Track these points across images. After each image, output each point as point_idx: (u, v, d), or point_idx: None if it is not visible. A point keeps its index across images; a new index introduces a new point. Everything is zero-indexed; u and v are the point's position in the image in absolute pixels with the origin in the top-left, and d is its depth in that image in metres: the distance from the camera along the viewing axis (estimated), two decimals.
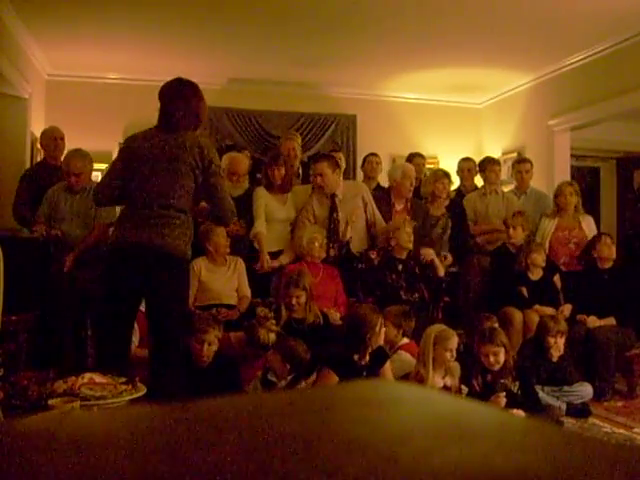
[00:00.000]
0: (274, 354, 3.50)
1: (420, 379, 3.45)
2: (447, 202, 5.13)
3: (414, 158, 5.93)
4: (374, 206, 4.72)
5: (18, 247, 3.91)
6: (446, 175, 5.17)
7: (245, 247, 4.52)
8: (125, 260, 2.89)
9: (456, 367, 3.60)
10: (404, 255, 4.45)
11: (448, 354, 3.49)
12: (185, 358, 3.20)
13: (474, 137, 7.63)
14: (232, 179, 4.55)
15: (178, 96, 2.98)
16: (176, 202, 2.89)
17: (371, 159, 5.86)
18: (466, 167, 5.90)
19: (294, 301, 3.96)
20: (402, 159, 6.09)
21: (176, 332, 3.00)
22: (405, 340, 3.92)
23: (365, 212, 4.68)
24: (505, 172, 6.41)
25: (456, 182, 6.01)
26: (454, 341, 3.56)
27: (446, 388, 3.46)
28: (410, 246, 4.43)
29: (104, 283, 3.03)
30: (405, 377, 3.58)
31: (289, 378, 3.45)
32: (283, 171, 4.64)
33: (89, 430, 0.45)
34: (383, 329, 3.51)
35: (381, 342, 3.49)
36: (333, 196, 4.61)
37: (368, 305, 3.80)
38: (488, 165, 5.53)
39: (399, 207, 4.89)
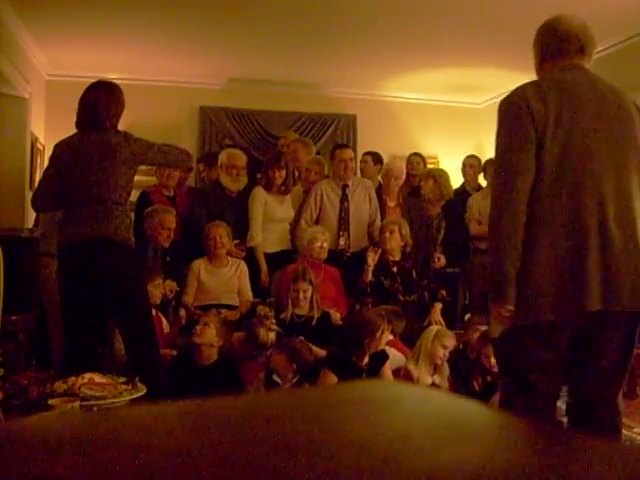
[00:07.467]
0: (279, 354, 3.46)
1: (408, 375, 3.48)
2: (442, 202, 5.13)
3: (410, 157, 5.90)
4: (377, 205, 4.79)
5: (18, 247, 3.91)
6: (433, 176, 5.16)
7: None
8: (74, 257, 3.05)
9: (445, 367, 3.66)
10: (397, 257, 4.44)
11: (441, 350, 3.57)
12: (158, 346, 3.27)
13: (474, 137, 7.61)
14: (232, 173, 4.62)
15: (91, 100, 3.15)
16: (111, 196, 3.06)
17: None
18: (468, 163, 5.88)
19: (301, 295, 3.95)
20: (402, 159, 6.07)
21: (145, 322, 3.15)
22: (390, 336, 3.87)
23: (370, 208, 4.75)
24: None
25: (460, 180, 6.00)
26: (451, 341, 3.65)
27: (434, 386, 3.48)
28: (396, 248, 4.42)
29: (60, 284, 3.16)
30: (394, 372, 3.60)
31: (294, 380, 3.42)
32: (284, 173, 4.64)
33: (89, 430, 0.45)
34: (385, 334, 3.50)
35: (381, 346, 3.48)
36: (344, 186, 4.69)
37: (374, 309, 3.78)
38: (490, 167, 5.52)
39: (391, 204, 4.98)
